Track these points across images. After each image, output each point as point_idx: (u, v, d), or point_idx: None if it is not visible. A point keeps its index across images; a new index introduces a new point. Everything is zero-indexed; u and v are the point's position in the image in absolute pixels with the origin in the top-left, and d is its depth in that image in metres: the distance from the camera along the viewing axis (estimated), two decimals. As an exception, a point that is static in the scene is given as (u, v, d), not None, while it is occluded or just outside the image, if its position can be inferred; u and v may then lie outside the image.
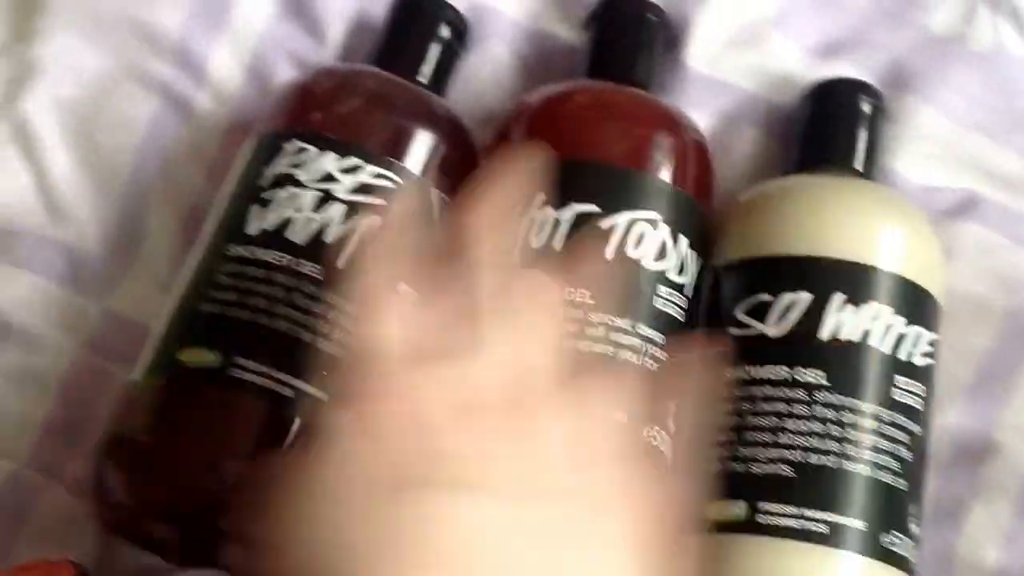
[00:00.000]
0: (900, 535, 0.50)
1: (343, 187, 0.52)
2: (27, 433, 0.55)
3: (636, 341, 0.51)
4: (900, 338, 0.51)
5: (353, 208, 0.52)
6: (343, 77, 0.57)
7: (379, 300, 0.41)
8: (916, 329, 0.52)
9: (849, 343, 0.51)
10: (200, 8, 0.61)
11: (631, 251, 0.52)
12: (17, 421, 0.55)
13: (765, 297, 0.52)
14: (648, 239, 0.52)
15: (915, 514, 0.51)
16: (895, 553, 0.49)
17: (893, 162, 0.60)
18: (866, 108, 0.58)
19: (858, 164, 0.57)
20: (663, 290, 0.52)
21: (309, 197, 0.52)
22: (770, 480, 0.49)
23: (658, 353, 0.51)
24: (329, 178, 0.53)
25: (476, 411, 0.38)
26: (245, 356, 0.49)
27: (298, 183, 0.53)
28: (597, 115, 0.54)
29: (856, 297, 0.51)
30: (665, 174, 0.53)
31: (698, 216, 0.55)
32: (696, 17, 0.61)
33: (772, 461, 0.49)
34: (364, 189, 0.52)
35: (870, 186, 0.56)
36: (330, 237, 0.52)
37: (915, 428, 0.51)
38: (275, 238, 0.52)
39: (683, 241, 0.53)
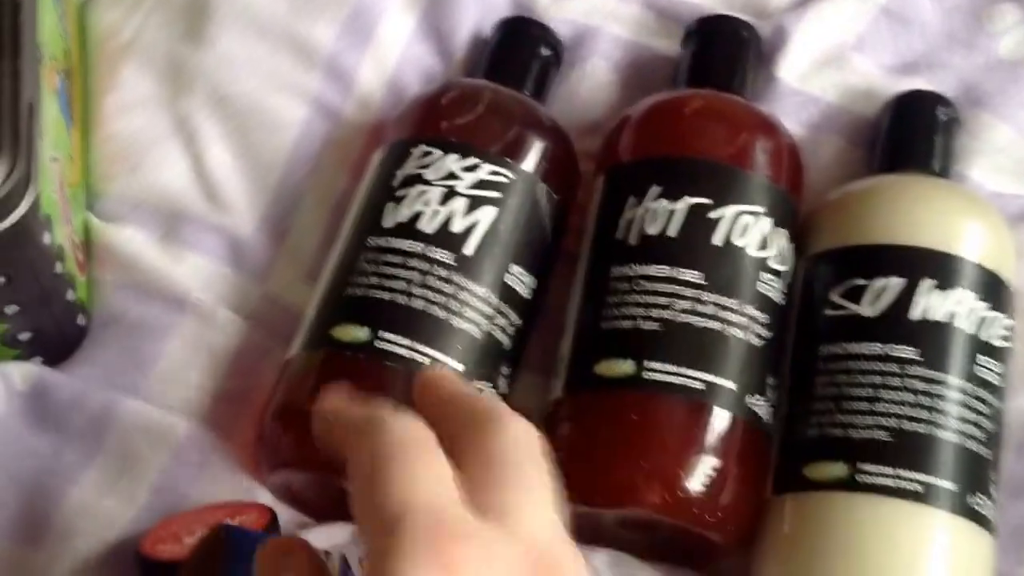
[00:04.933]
0: (984, 497, 0.55)
1: (464, 183, 0.58)
2: (202, 397, 0.60)
3: (743, 319, 0.56)
4: (982, 321, 0.56)
5: (474, 201, 0.58)
6: (463, 90, 0.63)
7: (429, 456, 0.38)
8: (995, 314, 0.57)
9: (937, 323, 0.56)
10: (350, 27, 0.67)
11: (737, 240, 0.57)
12: (194, 386, 0.60)
13: (860, 281, 0.57)
14: (752, 230, 0.57)
15: (995, 481, 0.56)
16: (980, 513, 0.54)
17: (967, 170, 0.65)
18: (943, 117, 0.63)
19: (937, 166, 0.62)
20: (765, 276, 0.57)
21: (436, 193, 0.58)
22: (868, 444, 0.54)
23: (762, 332, 0.57)
24: (452, 176, 0.58)
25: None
26: (390, 331, 0.55)
27: (426, 181, 0.58)
28: (708, 118, 0.60)
29: (944, 283, 0.56)
30: (767, 173, 0.59)
31: (793, 211, 0.60)
32: (791, 38, 0.68)
33: (869, 427, 0.54)
34: (482, 184, 0.58)
35: (953, 185, 0.62)
36: (456, 227, 0.57)
37: (995, 402, 0.56)
38: (408, 229, 0.57)
39: (782, 233, 0.58)
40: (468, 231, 0.57)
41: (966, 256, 0.57)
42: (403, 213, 0.58)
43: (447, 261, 0.57)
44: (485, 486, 0.38)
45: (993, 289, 0.57)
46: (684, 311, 0.55)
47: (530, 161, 0.60)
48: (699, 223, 0.57)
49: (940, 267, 0.57)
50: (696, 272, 0.56)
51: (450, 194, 0.58)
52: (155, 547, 0.53)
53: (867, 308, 0.56)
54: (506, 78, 0.65)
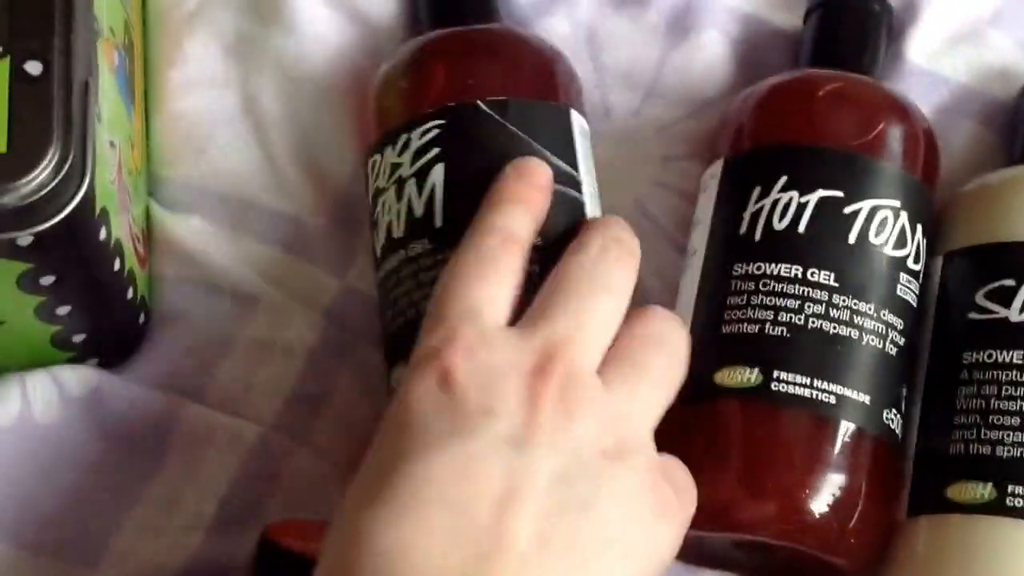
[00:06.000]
0: None
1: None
2: (273, 400, 0.56)
3: (879, 326, 0.51)
4: None
5: None
6: None
7: (499, 257, 0.47)
8: None
9: (1094, 331, 0.51)
10: None
11: (873, 237, 0.52)
12: (264, 388, 0.56)
13: (1008, 282, 0.52)
14: (888, 226, 0.53)
15: None
16: None
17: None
18: (1089, 103, 0.58)
19: (1084, 157, 0.57)
20: (903, 277, 0.53)
21: None
22: (1018, 463, 0.50)
23: (899, 339, 0.52)
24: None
25: (540, 384, 0.43)
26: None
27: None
28: (842, 102, 0.55)
29: (1099, 286, 0.52)
30: (904, 163, 0.54)
31: (929, 204, 0.55)
32: (923, 11, 0.62)
33: (1020, 445, 0.50)
34: None
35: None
36: None
37: None
38: None
39: (919, 229, 0.54)
40: None
41: (1124, 256, 0.52)
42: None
43: None
44: (540, 297, 0.46)
45: None
46: (816, 316, 0.51)
47: None
48: (831, 218, 0.52)
49: (1096, 269, 0.52)
50: (828, 273, 0.51)
51: None
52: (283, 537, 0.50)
53: (1017, 312, 0.52)
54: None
